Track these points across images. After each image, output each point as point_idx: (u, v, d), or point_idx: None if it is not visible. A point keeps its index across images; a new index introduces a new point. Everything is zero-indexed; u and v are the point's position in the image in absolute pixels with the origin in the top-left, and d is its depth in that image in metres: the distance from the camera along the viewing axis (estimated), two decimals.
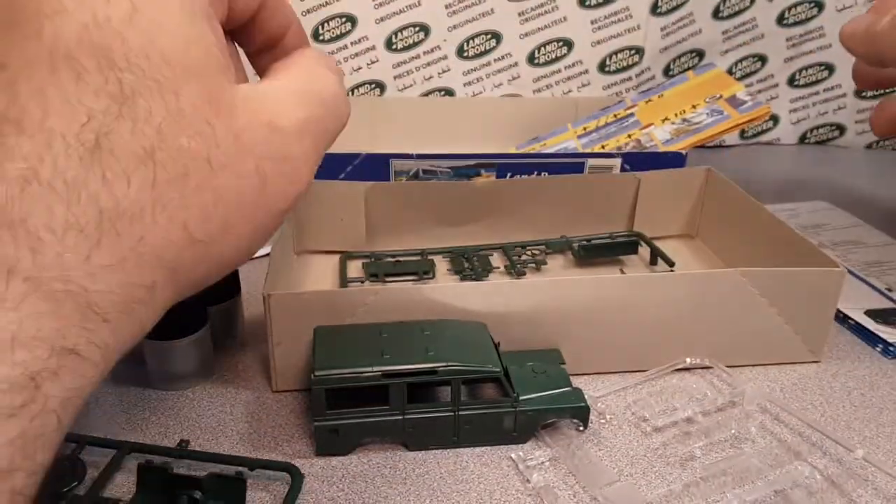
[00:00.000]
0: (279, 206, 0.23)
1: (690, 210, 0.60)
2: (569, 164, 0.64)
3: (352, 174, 0.63)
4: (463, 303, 0.42)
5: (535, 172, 0.64)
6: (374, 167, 0.63)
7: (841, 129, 0.88)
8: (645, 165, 0.61)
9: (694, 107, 0.66)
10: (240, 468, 0.35)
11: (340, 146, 0.58)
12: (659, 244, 0.57)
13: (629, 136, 0.66)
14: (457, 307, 0.42)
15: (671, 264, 0.54)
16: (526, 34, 0.80)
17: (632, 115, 0.71)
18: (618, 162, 0.64)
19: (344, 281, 0.53)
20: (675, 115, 0.66)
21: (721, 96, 0.66)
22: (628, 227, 0.60)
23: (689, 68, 0.84)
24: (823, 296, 0.45)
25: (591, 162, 0.64)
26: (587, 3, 0.79)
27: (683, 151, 0.63)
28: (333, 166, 0.62)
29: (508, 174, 0.64)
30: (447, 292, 0.42)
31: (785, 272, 0.44)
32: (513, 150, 0.73)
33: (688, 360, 0.45)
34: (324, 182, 0.56)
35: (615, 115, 0.72)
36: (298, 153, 0.24)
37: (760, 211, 0.52)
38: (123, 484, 0.36)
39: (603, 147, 0.67)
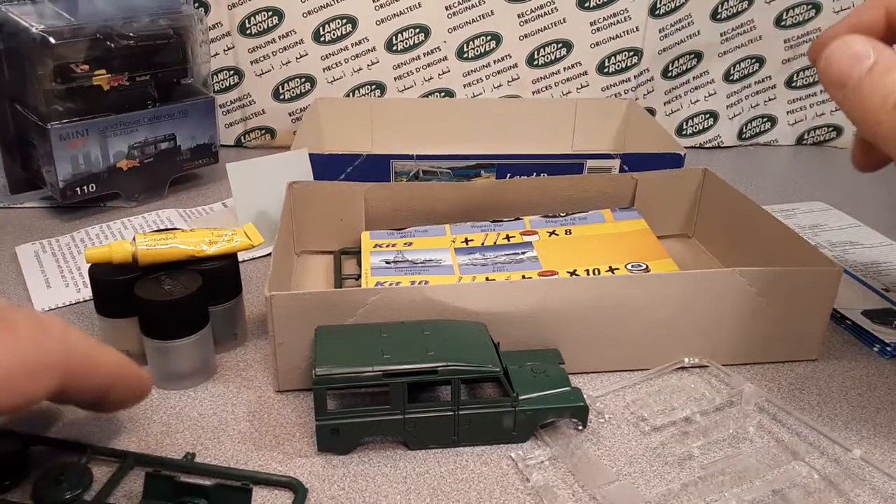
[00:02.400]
0: None
1: (687, 210, 0.61)
2: (568, 165, 0.65)
3: (352, 175, 0.63)
4: (463, 303, 0.42)
5: (535, 173, 0.64)
6: (374, 168, 0.63)
7: (838, 130, 0.88)
8: (644, 166, 0.62)
9: (612, 270, 0.48)
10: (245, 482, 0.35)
11: (341, 147, 0.59)
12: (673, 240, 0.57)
13: (523, 278, 0.47)
14: (457, 307, 0.42)
15: None
16: (525, 36, 0.80)
17: (529, 245, 0.52)
18: (617, 162, 0.65)
19: (339, 278, 0.53)
20: (588, 272, 0.48)
21: (647, 267, 0.48)
22: None
23: (687, 70, 0.84)
24: (820, 295, 0.45)
25: (590, 163, 0.65)
26: (586, 4, 0.79)
27: (682, 153, 0.63)
28: (334, 167, 0.63)
29: (508, 175, 0.64)
30: (447, 292, 0.42)
31: (782, 271, 0.44)
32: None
33: (686, 359, 0.45)
34: (323, 183, 0.57)
35: (507, 236, 0.53)
36: None
37: (756, 211, 0.53)
38: (130, 492, 0.36)
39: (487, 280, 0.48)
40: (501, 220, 0.55)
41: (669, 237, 0.61)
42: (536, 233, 0.53)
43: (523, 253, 0.51)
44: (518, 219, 0.55)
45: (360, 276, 0.53)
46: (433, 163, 0.64)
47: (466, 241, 0.53)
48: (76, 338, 0.30)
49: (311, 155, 0.60)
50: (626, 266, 0.48)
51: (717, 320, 0.44)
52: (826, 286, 0.45)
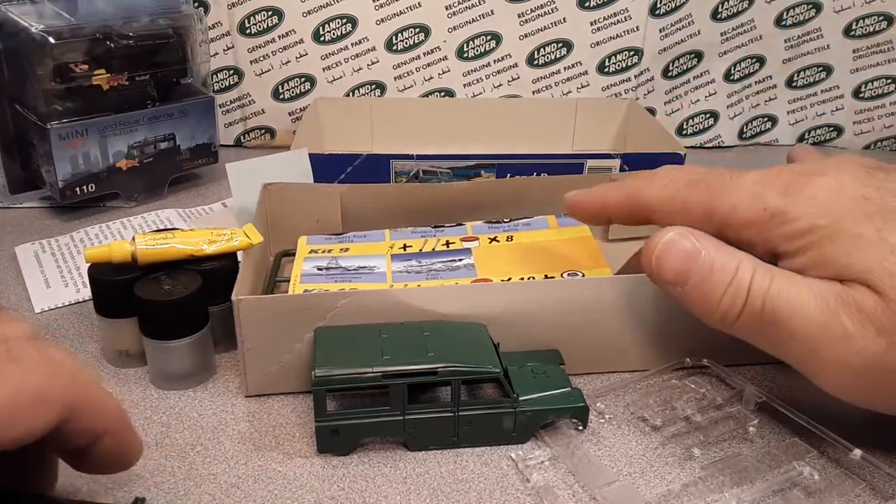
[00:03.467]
0: None
1: None
2: (568, 165, 0.65)
3: (352, 175, 0.63)
4: (433, 305, 0.41)
5: (535, 173, 0.64)
6: (374, 168, 0.63)
7: (839, 129, 0.88)
8: (644, 166, 0.62)
9: (547, 278, 0.46)
10: None
11: (341, 146, 0.59)
12: (636, 244, 0.55)
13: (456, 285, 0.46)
14: (427, 309, 0.41)
15: None
16: (525, 35, 0.80)
17: (468, 252, 0.50)
18: (617, 162, 0.65)
19: (272, 283, 0.51)
20: (523, 279, 0.47)
21: (583, 275, 0.46)
22: (605, 227, 0.59)
23: (687, 69, 0.84)
24: None
25: (590, 163, 0.65)
26: (586, 4, 0.79)
27: (683, 152, 0.63)
28: (334, 167, 0.63)
29: (508, 174, 0.64)
30: (419, 295, 0.42)
31: None
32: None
33: (687, 359, 0.45)
34: (299, 184, 0.56)
35: (447, 242, 0.51)
36: None
37: None
38: None
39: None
40: (443, 226, 0.54)
41: (648, 237, 0.61)
42: (477, 239, 0.52)
43: (460, 260, 0.49)
44: (460, 224, 0.54)
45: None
46: (433, 162, 0.64)
47: (405, 246, 0.51)
48: (85, 377, 0.30)
49: (310, 155, 0.60)
50: (561, 274, 0.47)
51: None
52: None
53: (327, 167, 0.62)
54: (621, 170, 0.64)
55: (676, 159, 0.63)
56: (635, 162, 0.64)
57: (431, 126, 0.79)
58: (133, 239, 0.43)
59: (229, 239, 0.45)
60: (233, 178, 0.57)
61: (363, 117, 0.79)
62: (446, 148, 0.69)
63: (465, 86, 0.82)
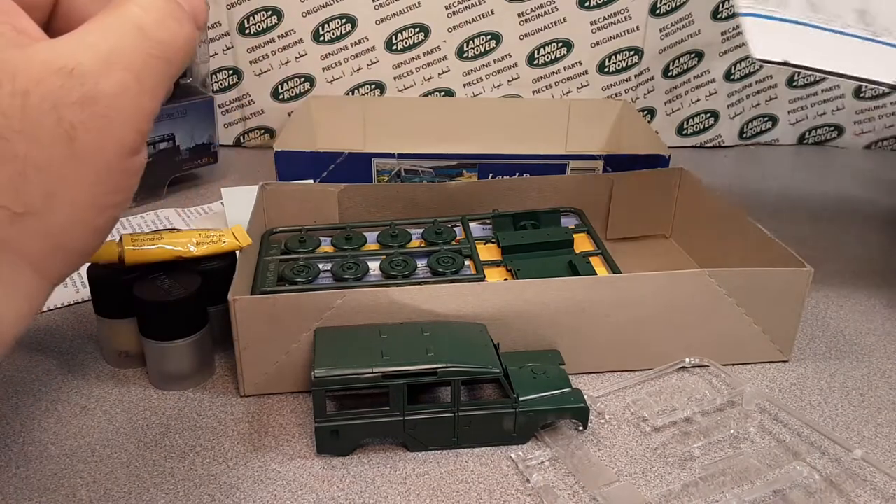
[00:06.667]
0: (107, 154, 0.21)
1: (664, 210, 0.60)
2: (551, 166, 0.64)
3: (334, 172, 0.63)
4: (431, 305, 0.41)
5: (517, 174, 0.64)
6: (356, 166, 0.63)
7: (839, 129, 0.88)
8: (628, 167, 0.61)
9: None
10: None
11: (337, 145, 0.58)
12: (633, 244, 0.56)
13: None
14: (424, 309, 0.41)
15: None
16: (525, 35, 0.80)
17: (465, 252, 0.50)
18: (600, 164, 0.64)
19: (261, 268, 0.49)
20: (518, 275, 0.48)
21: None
22: (602, 227, 0.59)
23: (688, 69, 0.84)
24: (791, 295, 0.45)
25: (573, 164, 0.65)
26: (587, 4, 0.79)
27: (667, 154, 0.63)
28: (317, 165, 0.62)
29: (490, 175, 0.64)
30: (417, 295, 0.41)
31: (754, 272, 0.44)
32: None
33: (687, 360, 0.45)
34: (297, 183, 0.56)
35: (444, 242, 0.51)
36: (109, 89, 0.21)
37: (731, 211, 0.53)
38: None
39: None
40: (440, 229, 0.53)
41: (647, 238, 0.61)
42: (471, 240, 0.51)
43: (458, 260, 0.49)
44: (455, 225, 0.54)
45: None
46: (415, 161, 0.64)
47: (421, 244, 0.51)
48: None
49: (294, 152, 0.60)
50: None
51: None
52: (797, 286, 0.44)
53: (310, 165, 0.61)
54: (604, 170, 0.64)
55: (661, 161, 0.62)
56: (619, 163, 0.64)
57: (431, 126, 0.79)
58: (120, 240, 0.43)
59: (216, 240, 0.44)
60: (227, 202, 0.58)
61: (363, 117, 0.79)
62: (439, 148, 0.69)
63: (465, 86, 0.82)
